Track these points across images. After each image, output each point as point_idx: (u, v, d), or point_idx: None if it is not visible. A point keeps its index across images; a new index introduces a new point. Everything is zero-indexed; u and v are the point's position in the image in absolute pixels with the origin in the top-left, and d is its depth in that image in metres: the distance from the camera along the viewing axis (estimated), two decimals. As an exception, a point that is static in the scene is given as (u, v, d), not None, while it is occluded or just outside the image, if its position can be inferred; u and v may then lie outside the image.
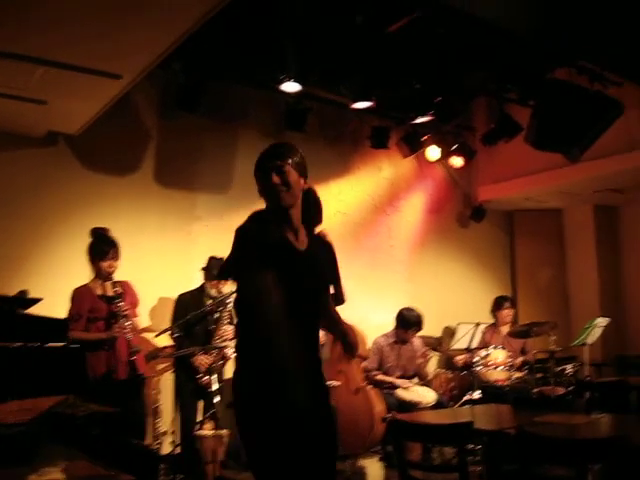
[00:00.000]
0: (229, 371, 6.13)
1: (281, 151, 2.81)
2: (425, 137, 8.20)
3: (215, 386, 5.54)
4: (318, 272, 2.82)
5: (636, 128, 7.11)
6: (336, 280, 2.97)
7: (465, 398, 6.83)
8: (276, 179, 2.72)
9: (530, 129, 6.23)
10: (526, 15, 5.60)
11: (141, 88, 6.01)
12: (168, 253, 6.65)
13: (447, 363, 8.11)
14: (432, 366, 7.91)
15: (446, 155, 8.51)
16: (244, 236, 2.65)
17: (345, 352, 3.02)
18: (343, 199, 7.94)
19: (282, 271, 2.59)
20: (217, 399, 5.49)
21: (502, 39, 6.09)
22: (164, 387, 6.13)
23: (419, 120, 7.61)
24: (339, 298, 2.98)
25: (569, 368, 7.19)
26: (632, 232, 9.61)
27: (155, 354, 5.92)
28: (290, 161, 2.77)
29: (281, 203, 2.73)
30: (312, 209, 2.85)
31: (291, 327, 2.60)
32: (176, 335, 5.84)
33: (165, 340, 5.98)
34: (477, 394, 6.77)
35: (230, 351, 5.80)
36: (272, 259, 2.59)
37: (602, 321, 7.71)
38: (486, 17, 5.63)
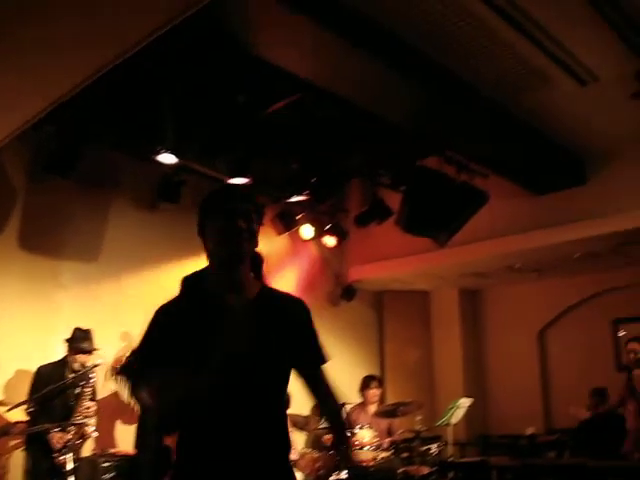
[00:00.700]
0: (87, 450, 5.80)
1: (246, 195, 2.45)
2: (300, 216, 8.31)
3: (70, 465, 5.22)
4: (259, 332, 2.39)
5: (499, 217, 7.51)
6: (306, 339, 2.56)
7: (331, 479, 6.75)
8: (242, 224, 2.33)
9: (401, 213, 6.46)
10: (401, 104, 5.85)
11: (10, 146, 5.74)
12: (28, 322, 6.28)
13: (314, 442, 8.02)
14: (299, 445, 7.80)
15: (320, 234, 8.63)
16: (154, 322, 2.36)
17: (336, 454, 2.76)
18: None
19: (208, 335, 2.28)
20: (71, 480, 5.16)
21: (378, 125, 6.33)
22: (14, 466, 5.69)
23: (294, 199, 7.73)
24: (315, 358, 2.63)
25: (434, 448, 7.29)
26: (494, 315, 10.06)
27: (6, 430, 5.51)
28: (254, 208, 2.42)
29: (242, 251, 2.37)
30: (258, 264, 2.54)
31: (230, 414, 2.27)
32: (31, 410, 5.47)
33: (19, 415, 5.59)
34: (344, 474, 6.72)
35: (90, 429, 5.50)
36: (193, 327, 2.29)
37: (465, 401, 7.92)
38: (363, 104, 5.85)
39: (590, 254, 8.02)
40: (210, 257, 2.44)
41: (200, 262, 2.53)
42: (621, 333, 8.93)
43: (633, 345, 6.93)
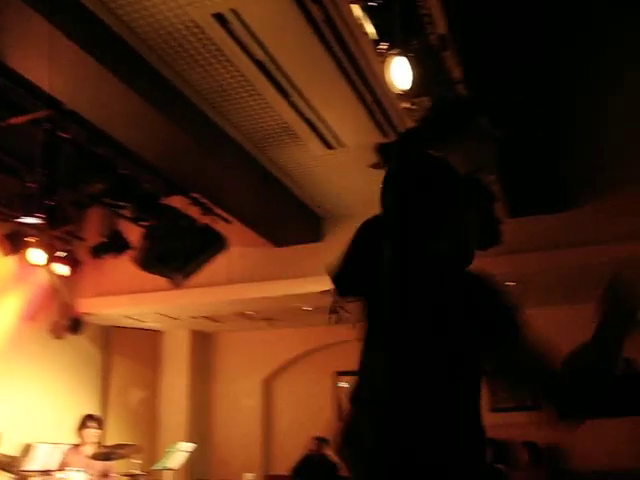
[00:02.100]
0: None
1: None
2: (31, 238, 7.75)
3: None
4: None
5: (236, 264, 7.61)
6: None
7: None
8: None
9: (139, 249, 6.29)
10: (153, 139, 5.74)
11: None
12: None
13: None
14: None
15: (51, 260, 8.12)
16: None
17: None
18: None
19: None
20: None
21: (125, 156, 6.15)
22: None
23: (26, 220, 7.20)
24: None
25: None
26: (224, 360, 10.11)
27: None
28: None
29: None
30: None
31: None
32: None
33: None
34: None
35: None
36: None
37: (185, 446, 7.80)
38: (113, 131, 5.65)
39: (319, 308, 8.40)
40: None
41: None
42: (341, 384, 9.45)
43: None
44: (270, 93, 5.33)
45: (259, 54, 4.82)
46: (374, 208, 7.36)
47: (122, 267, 7.64)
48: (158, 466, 7.54)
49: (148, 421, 9.57)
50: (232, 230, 6.89)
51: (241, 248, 7.45)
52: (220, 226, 6.76)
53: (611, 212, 6.97)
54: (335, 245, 7.29)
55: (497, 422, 8.32)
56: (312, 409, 9.52)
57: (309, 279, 7.55)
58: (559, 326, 8.52)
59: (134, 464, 7.01)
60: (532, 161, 5.75)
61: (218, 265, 6.71)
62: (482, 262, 6.96)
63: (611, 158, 6.62)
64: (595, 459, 7.60)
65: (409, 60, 3.91)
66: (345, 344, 9.51)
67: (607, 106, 5.70)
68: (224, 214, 6.82)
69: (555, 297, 8.28)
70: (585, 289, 7.89)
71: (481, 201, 2.17)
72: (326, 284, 7.12)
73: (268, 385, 9.99)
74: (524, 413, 8.49)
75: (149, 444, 9.03)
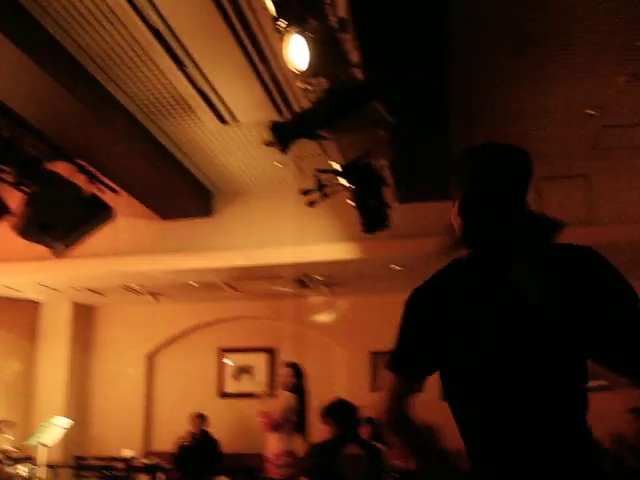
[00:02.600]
0: None
1: None
2: None
3: None
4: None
5: (123, 236, 7.41)
6: None
7: None
8: None
9: (19, 215, 6.00)
10: (39, 101, 5.48)
11: None
12: None
13: None
14: None
15: None
16: None
17: None
18: None
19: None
20: None
21: (6, 116, 5.84)
22: None
23: None
24: None
25: (22, 468, 6.85)
26: (107, 334, 9.87)
27: None
28: None
29: None
30: None
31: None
32: None
33: None
34: None
35: None
36: None
37: (61, 421, 7.58)
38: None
39: (207, 284, 8.33)
40: None
41: None
42: (226, 362, 9.43)
43: (284, 370, 7.26)
44: (165, 63, 5.18)
45: (155, 21, 4.67)
46: (266, 185, 7.40)
47: (0, 233, 7.29)
48: (31, 441, 7.29)
49: (24, 395, 9.23)
50: (120, 201, 6.67)
51: (128, 220, 7.27)
52: (107, 196, 6.54)
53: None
54: (225, 221, 7.32)
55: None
56: (195, 385, 9.46)
57: (197, 254, 7.47)
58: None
59: (6, 439, 6.75)
60: (423, 147, 5.88)
61: (103, 236, 6.50)
62: (370, 246, 7.18)
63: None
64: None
65: (307, 40, 3.88)
66: (230, 321, 9.51)
67: (500, 95, 5.88)
68: (112, 184, 6.60)
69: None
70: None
71: (371, 186, 2.23)
72: (215, 260, 7.08)
73: (151, 360, 9.83)
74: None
75: (24, 419, 8.72)
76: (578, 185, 7.22)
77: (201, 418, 8.39)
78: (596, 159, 7.11)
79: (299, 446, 6.00)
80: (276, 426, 6.03)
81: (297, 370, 6.77)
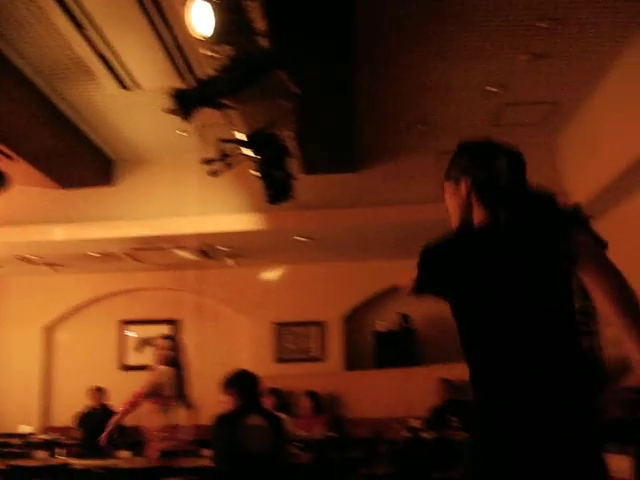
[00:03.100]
0: None
1: None
2: None
3: None
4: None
5: (18, 204, 7.13)
6: None
7: None
8: None
9: None
10: None
11: None
12: None
13: None
14: None
15: None
16: None
17: None
18: None
19: None
20: None
21: None
22: None
23: None
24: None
25: None
26: (2, 306, 9.51)
27: None
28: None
29: None
30: None
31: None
32: None
33: None
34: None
35: None
36: None
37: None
38: None
39: (107, 255, 8.13)
40: None
41: None
42: (129, 334, 9.27)
43: (161, 343, 7.12)
44: (63, 23, 4.96)
45: (50, -22, 4.47)
46: (169, 154, 7.25)
47: None
48: None
49: None
50: (15, 168, 6.40)
51: (24, 188, 6.98)
52: (2, 163, 6.26)
53: (396, 176, 7.37)
54: (127, 190, 7.13)
55: (281, 372, 8.60)
56: (96, 358, 9.26)
57: (97, 224, 7.28)
58: (347, 279, 8.98)
59: None
60: (329, 119, 5.90)
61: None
62: (274, 216, 7.16)
63: (401, 124, 6.97)
64: (370, 408, 8.10)
65: (212, 6, 3.81)
66: (132, 292, 9.33)
67: (405, 71, 5.95)
68: (6, 150, 6.31)
69: (345, 253, 8.64)
70: (372, 247, 8.32)
71: (275, 156, 2.38)
72: (115, 230, 6.90)
73: (50, 333, 9.54)
74: (307, 364, 8.90)
75: None
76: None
77: (100, 391, 8.21)
78: (498, 135, 7.30)
79: (184, 419, 5.94)
80: (135, 404, 5.90)
81: (175, 343, 6.74)
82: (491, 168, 2.32)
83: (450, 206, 2.41)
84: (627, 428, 3.81)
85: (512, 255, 2.16)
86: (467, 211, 2.33)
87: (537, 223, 2.17)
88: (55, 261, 8.49)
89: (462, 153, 2.48)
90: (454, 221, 2.38)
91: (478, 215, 2.29)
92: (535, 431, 1.97)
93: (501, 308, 2.15)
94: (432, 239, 2.31)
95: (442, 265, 2.28)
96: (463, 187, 2.34)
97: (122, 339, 9.35)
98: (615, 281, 2.03)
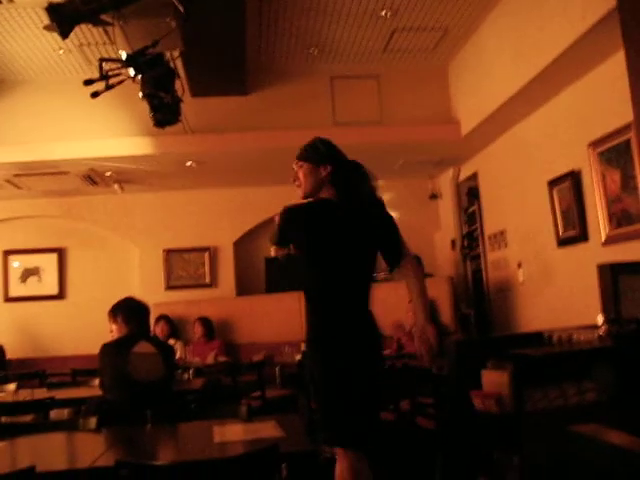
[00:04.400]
0: None
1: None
2: None
3: None
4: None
5: None
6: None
7: None
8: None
9: None
10: None
11: None
12: None
13: None
14: None
15: None
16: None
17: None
18: None
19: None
20: None
21: None
22: None
23: None
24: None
25: None
26: None
27: None
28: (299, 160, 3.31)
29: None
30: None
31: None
32: None
33: None
34: None
35: None
36: None
37: None
38: None
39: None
40: None
41: None
42: (15, 264, 8.92)
43: None
44: None
45: None
46: (51, 74, 6.89)
47: None
48: None
49: None
50: None
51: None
52: None
53: (287, 100, 7.29)
54: (5, 112, 6.76)
55: (173, 299, 8.53)
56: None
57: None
58: (237, 205, 8.92)
59: None
60: (217, 40, 5.70)
61: None
62: (161, 141, 6.96)
63: (293, 47, 6.85)
64: (262, 333, 8.18)
65: None
66: (14, 221, 8.92)
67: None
68: None
69: (232, 178, 8.54)
70: (262, 172, 8.26)
71: (161, 78, 2.51)
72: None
73: None
74: (198, 290, 8.85)
75: None
76: (370, 85, 7.43)
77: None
78: (390, 61, 7.31)
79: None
80: None
81: None
82: (348, 165, 3.24)
83: (304, 181, 3.23)
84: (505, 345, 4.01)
85: (353, 222, 3.13)
86: (319, 189, 3.19)
87: (371, 206, 3.20)
88: None
89: (323, 144, 3.28)
90: (303, 193, 3.23)
91: (327, 193, 3.18)
92: (354, 340, 3.05)
93: (342, 257, 3.11)
94: (290, 204, 3.14)
95: (304, 224, 3.12)
96: (322, 171, 3.19)
97: (5, 270, 8.97)
98: (412, 255, 3.25)
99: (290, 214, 3.12)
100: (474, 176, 8.20)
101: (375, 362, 3.14)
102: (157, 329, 7.84)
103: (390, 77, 7.45)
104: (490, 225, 7.85)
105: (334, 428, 3.00)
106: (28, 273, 8.95)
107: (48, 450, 2.99)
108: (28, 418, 4.50)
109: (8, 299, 8.91)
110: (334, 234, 3.10)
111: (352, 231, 3.11)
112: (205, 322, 8.06)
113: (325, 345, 3.05)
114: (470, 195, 8.40)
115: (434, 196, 9.25)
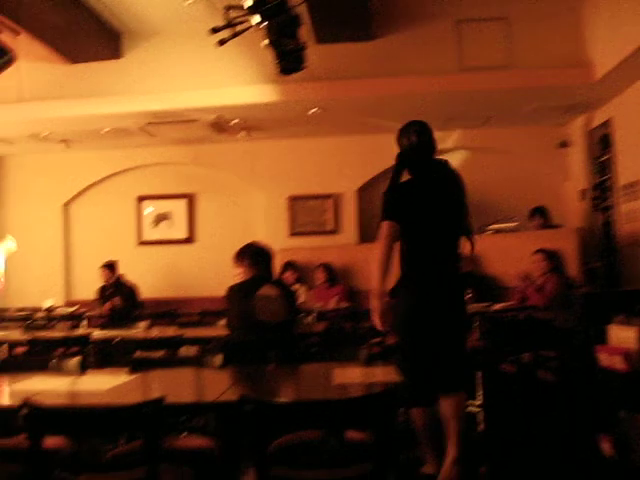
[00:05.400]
0: None
1: None
2: None
3: None
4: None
5: (27, 81, 7.02)
6: None
7: None
8: None
9: None
10: None
11: None
12: None
13: None
14: None
15: None
16: None
17: None
18: None
19: None
20: None
21: None
22: None
23: None
24: None
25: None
26: (18, 184, 9.57)
27: None
28: None
29: None
30: None
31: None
32: None
33: None
34: None
35: None
36: None
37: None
38: None
39: (120, 130, 8.06)
40: None
41: None
42: (147, 211, 9.34)
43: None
44: None
45: None
46: (178, 25, 7.03)
47: None
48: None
49: None
50: (21, 43, 6.24)
51: (32, 64, 6.85)
52: (6, 37, 6.10)
53: (412, 44, 7.13)
54: (136, 63, 6.97)
55: (296, 246, 8.70)
56: (114, 234, 9.38)
57: (107, 98, 7.18)
58: (361, 152, 8.90)
59: None
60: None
61: (5, 82, 6.13)
62: (287, 88, 6.99)
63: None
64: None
65: None
66: (147, 168, 9.32)
67: None
68: (10, 24, 6.14)
69: (355, 125, 8.50)
70: (386, 119, 8.17)
71: (285, 25, 2.56)
72: (126, 104, 6.79)
73: (67, 210, 9.62)
74: (321, 237, 8.97)
75: None
76: (497, 27, 7.15)
77: (109, 268, 8.29)
78: (515, 1, 7.01)
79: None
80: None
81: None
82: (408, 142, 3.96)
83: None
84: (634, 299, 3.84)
85: (438, 197, 3.72)
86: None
87: (446, 178, 3.78)
88: (68, 137, 8.44)
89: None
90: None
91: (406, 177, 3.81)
92: (442, 290, 3.63)
93: (432, 226, 3.67)
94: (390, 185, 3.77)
95: (400, 202, 3.67)
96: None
97: (139, 214, 9.43)
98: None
99: (387, 196, 3.71)
100: (607, 123, 7.78)
101: (452, 314, 3.64)
102: (285, 276, 8.04)
103: (519, 18, 7.13)
104: (625, 175, 7.45)
105: (405, 391, 3.19)
106: (160, 218, 9.37)
107: (177, 384, 3.16)
108: (159, 353, 4.76)
109: (142, 242, 9.38)
110: (419, 206, 3.69)
111: (433, 201, 3.72)
112: (327, 268, 8.19)
113: (408, 292, 3.62)
114: (602, 143, 8.00)
115: (564, 144, 8.85)
